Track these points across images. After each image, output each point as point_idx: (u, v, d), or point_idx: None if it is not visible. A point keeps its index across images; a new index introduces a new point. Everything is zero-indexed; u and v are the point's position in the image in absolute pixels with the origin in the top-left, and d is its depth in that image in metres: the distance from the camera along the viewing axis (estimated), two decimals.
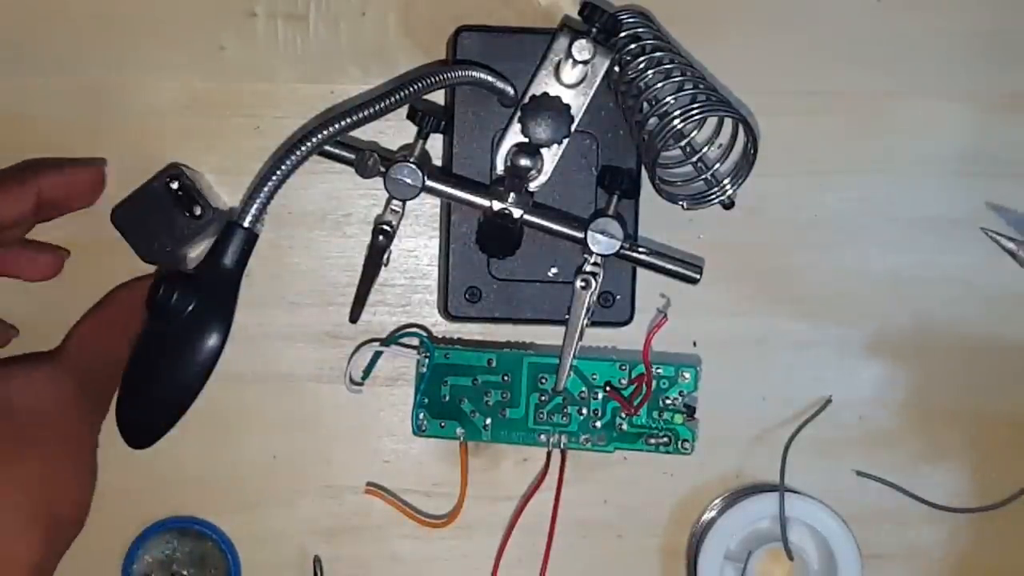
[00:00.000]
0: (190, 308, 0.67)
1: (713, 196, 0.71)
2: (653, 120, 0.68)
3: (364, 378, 0.73)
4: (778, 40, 0.75)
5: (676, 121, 0.67)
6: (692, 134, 0.72)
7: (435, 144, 0.72)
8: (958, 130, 0.75)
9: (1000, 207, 0.73)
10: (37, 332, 0.73)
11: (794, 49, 0.75)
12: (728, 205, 0.71)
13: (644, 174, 0.71)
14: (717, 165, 0.72)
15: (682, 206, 0.71)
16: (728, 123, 0.72)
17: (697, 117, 0.68)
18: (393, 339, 0.73)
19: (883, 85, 0.75)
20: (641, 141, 0.69)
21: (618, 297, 0.72)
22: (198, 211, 0.70)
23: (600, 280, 0.70)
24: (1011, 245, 0.71)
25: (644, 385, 0.71)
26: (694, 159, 0.72)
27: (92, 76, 0.73)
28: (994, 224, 0.74)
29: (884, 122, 0.75)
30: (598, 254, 0.69)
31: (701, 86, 0.69)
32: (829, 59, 0.75)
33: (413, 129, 0.70)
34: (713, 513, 0.75)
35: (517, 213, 0.69)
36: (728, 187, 0.71)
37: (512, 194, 0.69)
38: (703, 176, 0.72)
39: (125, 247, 0.70)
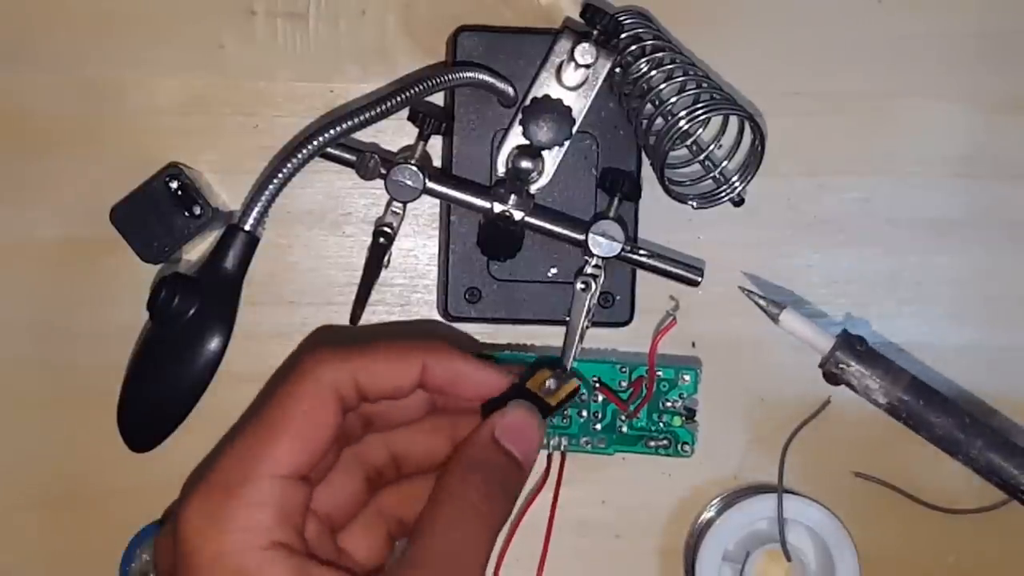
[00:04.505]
0: (191, 312, 0.67)
1: (723, 194, 0.71)
2: (659, 121, 0.68)
3: None
4: (778, 40, 0.74)
5: (683, 122, 0.67)
6: (698, 133, 0.72)
7: (435, 145, 0.72)
8: (958, 131, 0.75)
9: (756, 278, 0.75)
10: (37, 332, 0.73)
11: (794, 49, 0.74)
12: (738, 202, 0.72)
13: (644, 175, 0.71)
14: (725, 163, 0.72)
15: (692, 206, 0.71)
16: (733, 120, 0.72)
17: (702, 117, 0.68)
18: None
19: (883, 85, 0.75)
20: (647, 142, 0.69)
21: (618, 298, 0.72)
22: (197, 210, 0.69)
23: (600, 282, 0.70)
24: (762, 303, 0.72)
25: (644, 387, 0.71)
26: (701, 158, 0.72)
27: (91, 74, 0.72)
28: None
29: (884, 123, 0.75)
30: (599, 256, 0.69)
31: (705, 85, 0.69)
32: (829, 59, 0.75)
33: (413, 130, 0.69)
34: (711, 514, 0.75)
35: (518, 215, 0.69)
36: (737, 184, 0.71)
37: (513, 196, 0.69)
38: (711, 174, 0.72)
39: (124, 247, 0.70)
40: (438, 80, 0.68)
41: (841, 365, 0.71)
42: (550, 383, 0.65)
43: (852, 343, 0.71)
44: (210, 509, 0.54)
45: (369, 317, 0.73)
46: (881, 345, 0.75)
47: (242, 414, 0.73)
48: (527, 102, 0.69)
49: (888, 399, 0.71)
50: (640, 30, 0.70)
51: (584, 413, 0.72)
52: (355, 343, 0.60)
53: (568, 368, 0.70)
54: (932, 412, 0.71)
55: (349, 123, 0.67)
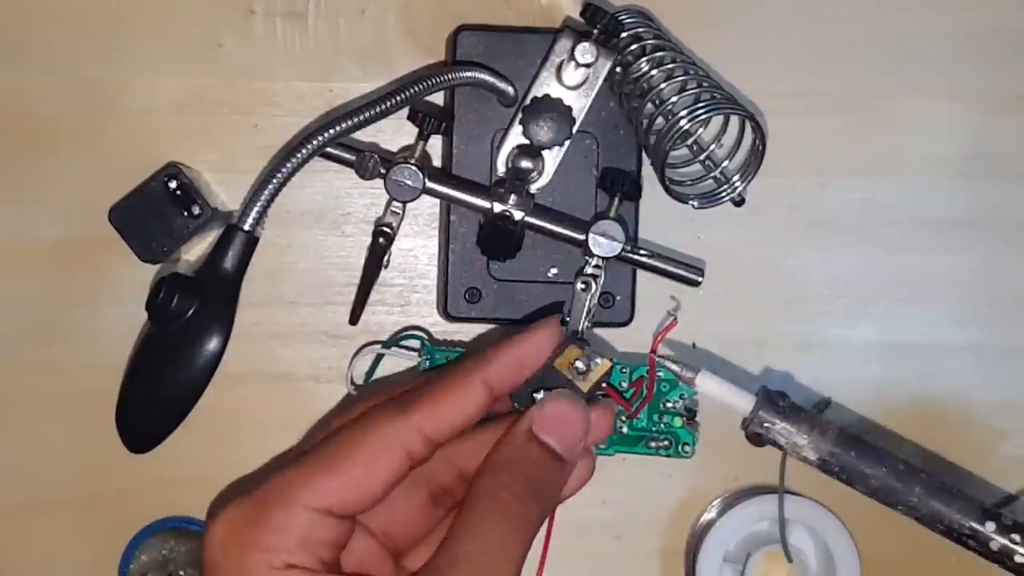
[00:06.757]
0: (190, 312, 0.67)
1: (723, 194, 0.71)
2: (660, 120, 0.68)
3: (366, 381, 0.73)
4: (778, 40, 0.74)
5: (683, 121, 0.67)
6: (698, 132, 0.71)
7: (435, 144, 0.72)
8: (959, 131, 0.75)
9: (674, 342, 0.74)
10: (35, 332, 0.73)
11: (794, 49, 0.74)
12: (739, 202, 0.71)
13: (644, 175, 0.71)
14: (726, 163, 0.72)
15: (692, 206, 0.71)
16: (734, 120, 0.72)
17: (703, 116, 0.67)
18: (394, 341, 0.73)
19: (883, 85, 0.75)
20: (648, 142, 0.69)
21: (618, 298, 0.72)
22: (196, 210, 0.69)
23: (600, 282, 0.70)
24: (675, 367, 0.67)
25: (645, 388, 0.71)
26: (702, 157, 0.72)
27: (90, 74, 0.72)
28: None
29: (885, 122, 0.75)
30: (599, 256, 0.69)
31: (705, 84, 0.69)
32: (829, 59, 0.75)
33: (412, 129, 0.69)
34: (712, 514, 0.75)
35: (518, 215, 0.69)
36: (738, 184, 0.71)
37: (513, 196, 0.69)
38: (712, 174, 0.72)
39: (123, 247, 0.69)
40: (438, 80, 0.68)
41: (766, 424, 0.67)
42: (580, 364, 0.61)
43: (774, 399, 0.67)
44: (238, 524, 0.54)
45: (369, 317, 0.73)
46: (882, 345, 0.75)
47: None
48: (527, 102, 0.69)
49: (819, 455, 0.67)
50: (640, 29, 0.70)
51: None
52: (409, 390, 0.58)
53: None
54: (865, 463, 0.66)
55: (349, 123, 0.67)
